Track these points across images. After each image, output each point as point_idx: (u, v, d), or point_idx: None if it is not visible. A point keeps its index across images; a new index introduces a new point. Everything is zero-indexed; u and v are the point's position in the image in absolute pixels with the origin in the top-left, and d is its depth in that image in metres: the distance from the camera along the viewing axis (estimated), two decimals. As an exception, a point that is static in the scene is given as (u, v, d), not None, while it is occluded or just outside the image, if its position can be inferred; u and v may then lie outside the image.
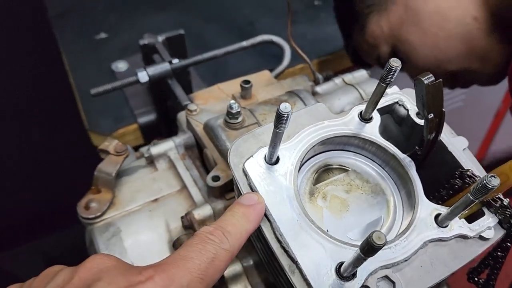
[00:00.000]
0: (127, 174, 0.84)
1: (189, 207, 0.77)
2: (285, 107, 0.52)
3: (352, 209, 0.65)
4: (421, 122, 0.68)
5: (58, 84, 1.50)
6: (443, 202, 0.66)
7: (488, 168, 0.64)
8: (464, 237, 0.60)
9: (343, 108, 0.85)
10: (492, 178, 0.50)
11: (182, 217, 0.74)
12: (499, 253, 0.66)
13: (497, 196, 0.61)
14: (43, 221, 1.89)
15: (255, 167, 0.62)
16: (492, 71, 1.12)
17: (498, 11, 1.04)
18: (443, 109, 0.61)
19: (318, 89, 0.88)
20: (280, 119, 0.53)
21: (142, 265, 0.51)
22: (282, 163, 0.62)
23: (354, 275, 0.55)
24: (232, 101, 0.75)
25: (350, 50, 1.38)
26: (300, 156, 0.63)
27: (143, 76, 1.00)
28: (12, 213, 1.81)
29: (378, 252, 0.56)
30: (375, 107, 0.66)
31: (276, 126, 0.55)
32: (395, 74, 0.59)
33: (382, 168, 0.69)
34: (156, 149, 0.86)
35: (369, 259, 0.54)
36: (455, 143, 0.68)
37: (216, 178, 0.75)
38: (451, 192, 0.65)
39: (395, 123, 0.74)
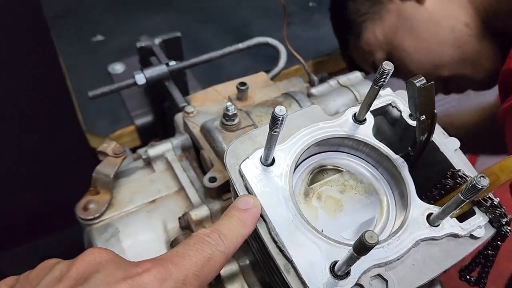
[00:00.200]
0: (125, 176, 0.85)
1: (186, 208, 0.78)
2: (280, 110, 0.53)
3: (346, 209, 0.66)
4: (413, 123, 0.69)
5: (55, 86, 1.50)
6: (435, 201, 0.67)
7: (480, 169, 0.66)
8: (455, 236, 0.62)
9: (338, 109, 0.86)
10: (482, 178, 0.52)
11: (179, 218, 0.75)
12: (489, 252, 0.68)
13: (487, 196, 0.63)
14: (41, 222, 1.89)
15: (251, 168, 0.63)
16: (484, 76, 1.14)
17: (489, 18, 1.07)
18: (435, 111, 0.62)
19: (313, 90, 0.89)
20: (275, 122, 0.54)
21: (140, 265, 0.52)
22: (277, 164, 0.63)
23: (348, 274, 0.56)
24: (229, 103, 0.76)
25: (346, 58, 1.41)
26: (295, 158, 0.65)
27: (140, 78, 1.01)
28: (10, 214, 1.81)
29: (371, 251, 0.58)
30: (369, 109, 0.68)
31: (271, 129, 0.56)
32: (388, 77, 0.61)
33: (376, 168, 0.70)
34: (153, 150, 0.87)
35: (362, 258, 0.56)
36: (447, 144, 0.69)
37: (213, 179, 0.76)
38: (442, 192, 0.66)
39: (389, 124, 0.75)
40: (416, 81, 0.59)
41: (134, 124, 1.31)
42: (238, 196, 0.62)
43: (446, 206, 0.58)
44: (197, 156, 0.87)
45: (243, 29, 1.63)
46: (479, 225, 0.62)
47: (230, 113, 0.77)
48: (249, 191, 0.62)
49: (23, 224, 1.90)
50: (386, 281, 0.57)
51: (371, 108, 0.69)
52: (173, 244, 0.70)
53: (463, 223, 0.62)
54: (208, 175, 0.77)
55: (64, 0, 1.67)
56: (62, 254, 0.55)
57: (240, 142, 0.66)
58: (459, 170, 0.66)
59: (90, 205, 0.78)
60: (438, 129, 0.69)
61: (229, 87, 0.97)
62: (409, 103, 0.63)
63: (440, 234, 0.61)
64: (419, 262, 0.59)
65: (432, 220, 0.61)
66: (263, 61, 1.43)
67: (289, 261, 0.57)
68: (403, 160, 0.67)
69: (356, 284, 0.56)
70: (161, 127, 1.31)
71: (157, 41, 1.15)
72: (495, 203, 0.63)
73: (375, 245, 0.46)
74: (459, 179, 0.65)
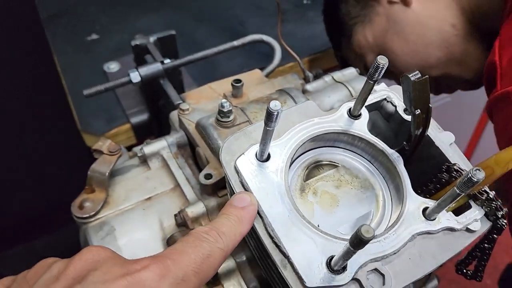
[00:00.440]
0: (121, 174, 0.85)
1: (182, 205, 0.78)
2: (274, 105, 0.53)
3: (342, 204, 0.66)
4: (408, 118, 0.69)
5: (50, 85, 1.50)
6: (430, 195, 0.67)
7: (476, 162, 0.66)
8: (451, 229, 0.62)
9: (332, 105, 0.86)
10: (477, 171, 0.52)
11: (175, 215, 0.75)
12: (486, 245, 0.68)
13: (483, 189, 0.63)
14: (39, 221, 1.89)
15: (247, 164, 0.63)
16: (473, 76, 1.16)
17: (475, 19, 1.09)
18: (430, 105, 0.62)
19: (308, 87, 0.89)
20: (270, 117, 0.54)
21: (136, 262, 0.51)
22: (273, 160, 0.63)
23: (344, 268, 0.56)
24: (224, 100, 0.76)
25: (339, 59, 1.42)
26: (290, 153, 0.64)
27: (135, 76, 1.01)
28: (7, 214, 1.81)
29: (368, 246, 0.58)
30: (364, 104, 0.68)
31: (266, 124, 0.56)
32: (382, 72, 0.61)
33: (371, 163, 0.70)
34: (149, 148, 0.87)
35: (359, 253, 0.56)
36: (442, 138, 0.69)
37: (208, 176, 0.76)
38: (438, 186, 0.67)
39: (384, 119, 0.75)
40: (411, 75, 0.60)
41: (129, 122, 1.31)
42: (234, 192, 0.62)
43: (441, 200, 0.58)
44: (192, 153, 0.87)
45: (238, 27, 1.63)
46: (475, 219, 0.62)
47: (225, 110, 0.77)
48: (245, 187, 0.62)
49: (20, 224, 1.90)
50: (382, 275, 0.57)
51: (366, 103, 0.69)
52: (169, 241, 0.70)
53: (459, 216, 0.62)
54: (204, 172, 0.77)
55: (58, -1, 1.66)
56: (62, 254, 0.55)
57: (235, 138, 0.66)
58: (454, 164, 0.66)
59: (86, 204, 0.78)
60: (433, 123, 0.70)
61: (224, 85, 0.97)
62: (404, 97, 0.63)
63: (436, 228, 0.61)
64: (415, 256, 0.60)
65: (428, 214, 0.61)
66: (258, 58, 1.43)
67: (286, 256, 0.57)
68: (398, 154, 0.67)
69: (353, 278, 0.56)
70: (157, 125, 1.30)
71: (152, 39, 1.15)
72: (491, 197, 0.63)
73: (372, 239, 0.46)
74: (455, 173, 0.65)
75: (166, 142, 0.88)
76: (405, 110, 0.71)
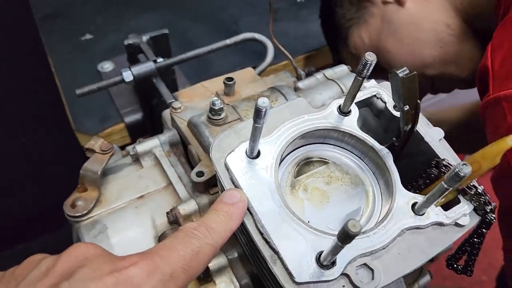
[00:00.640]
0: (113, 172, 0.85)
1: (175, 203, 0.78)
2: (263, 101, 0.54)
3: (333, 200, 0.67)
4: (398, 114, 0.70)
5: (44, 86, 1.50)
6: (420, 191, 0.68)
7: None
8: (440, 224, 0.62)
9: (324, 102, 0.87)
10: (464, 166, 0.52)
11: (167, 213, 0.75)
12: (475, 240, 0.68)
13: (471, 184, 0.63)
14: (34, 222, 1.89)
15: (237, 161, 0.63)
16: (467, 75, 1.16)
17: (469, 18, 1.10)
18: (418, 101, 0.63)
19: (300, 84, 0.89)
20: (258, 114, 0.55)
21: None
22: (263, 157, 0.64)
23: (333, 264, 0.57)
24: (215, 98, 0.76)
25: (337, 62, 1.43)
26: (280, 150, 0.65)
27: (128, 75, 1.01)
28: (3, 215, 1.81)
29: (357, 241, 0.59)
30: (353, 101, 0.68)
31: (255, 121, 0.56)
32: (371, 68, 0.61)
33: (361, 159, 0.70)
34: (141, 146, 0.87)
35: (348, 248, 0.56)
36: (432, 133, 0.70)
37: (200, 174, 0.77)
38: (427, 181, 0.67)
39: (374, 116, 0.76)
40: (399, 71, 0.60)
41: (123, 122, 1.31)
42: (224, 189, 0.62)
43: (430, 195, 0.59)
44: (185, 151, 0.88)
45: (232, 26, 1.63)
46: (464, 213, 0.63)
47: (216, 108, 0.77)
48: (235, 184, 0.62)
49: (16, 225, 1.89)
50: (372, 270, 0.58)
51: (356, 100, 0.70)
52: (160, 238, 0.70)
53: (448, 211, 0.63)
54: (196, 169, 0.77)
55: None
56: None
57: (226, 135, 0.66)
58: (443, 159, 0.66)
59: (78, 202, 0.78)
60: (422, 119, 0.70)
61: (217, 83, 0.97)
62: (393, 93, 0.64)
63: (425, 222, 0.61)
64: (404, 251, 0.60)
65: (417, 209, 0.62)
66: (252, 57, 1.43)
67: (275, 252, 0.58)
68: (388, 150, 0.67)
69: (342, 273, 0.57)
70: (151, 125, 1.30)
71: (145, 38, 1.15)
72: (480, 191, 0.63)
73: (358, 234, 0.46)
74: (444, 168, 0.66)
75: (158, 140, 0.88)
76: (394, 107, 0.71)
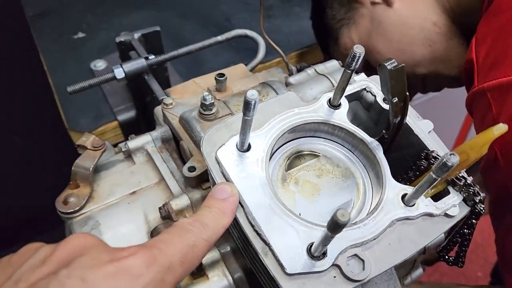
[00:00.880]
0: (105, 169, 0.85)
1: (167, 198, 0.78)
2: (252, 94, 0.54)
3: (324, 193, 0.67)
4: (387, 107, 0.70)
5: (36, 85, 1.49)
6: (410, 183, 0.68)
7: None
8: (430, 215, 0.63)
9: (315, 97, 0.86)
10: (452, 155, 0.53)
11: (160, 208, 0.75)
12: (466, 230, 0.69)
13: (460, 175, 0.64)
14: (30, 222, 1.89)
15: (228, 154, 0.63)
16: (456, 74, 1.18)
17: (456, 16, 1.11)
18: (407, 93, 0.63)
19: (291, 79, 0.90)
20: (247, 106, 0.55)
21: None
22: (254, 150, 0.64)
23: (324, 255, 0.57)
24: (206, 93, 0.77)
25: None
26: (271, 143, 0.65)
27: (119, 72, 1.01)
28: (0, 215, 1.81)
29: (348, 232, 0.59)
30: (343, 94, 0.69)
31: (244, 113, 0.56)
32: (359, 60, 0.62)
33: (352, 152, 0.71)
34: (133, 143, 0.87)
35: (339, 239, 0.57)
36: (421, 126, 0.70)
37: (192, 169, 0.77)
38: (417, 173, 0.68)
39: (364, 109, 0.76)
40: (387, 63, 0.60)
41: (117, 120, 1.31)
42: (216, 183, 0.63)
43: (419, 186, 0.59)
44: (177, 147, 0.88)
45: (224, 23, 1.63)
46: (453, 204, 0.64)
47: (207, 103, 0.77)
48: (226, 178, 0.63)
49: (13, 226, 1.89)
50: (362, 260, 0.58)
51: (346, 93, 0.70)
52: (153, 233, 0.70)
53: (438, 202, 0.63)
54: (187, 164, 0.77)
55: (44, -2, 1.66)
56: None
57: (216, 129, 0.66)
58: (432, 151, 0.67)
59: (70, 199, 0.78)
60: (411, 112, 0.71)
61: (208, 79, 0.97)
62: (382, 86, 0.64)
63: (415, 213, 0.62)
64: (395, 242, 0.60)
65: (407, 200, 0.62)
66: (245, 54, 1.43)
67: (267, 244, 0.58)
68: (377, 143, 0.68)
69: (333, 264, 0.57)
70: (144, 122, 1.30)
71: (137, 35, 1.15)
72: (468, 182, 0.64)
73: (347, 223, 0.46)
74: (433, 159, 0.66)
75: (150, 136, 0.88)
76: (384, 100, 0.72)
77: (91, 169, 0.79)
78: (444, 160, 0.53)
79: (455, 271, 2.51)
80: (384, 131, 0.68)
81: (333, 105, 0.70)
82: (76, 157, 0.82)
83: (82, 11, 1.65)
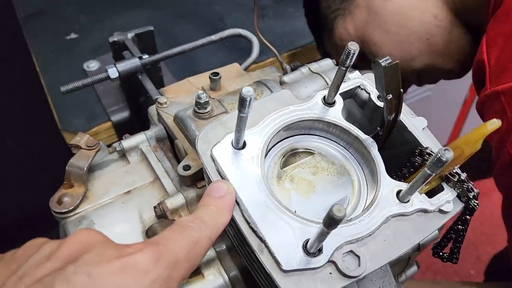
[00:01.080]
0: (100, 168, 0.85)
1: (162, 198, 0.78)
2: (247, 90, 0.54)
3: (319, 190, 0.67)
4: (381, 104, 0.70)
5: (29, 85, 1.48)
6: (405, 179, 0.69)
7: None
8: (424, 211, 0.63)
9: (309, 95, 0.86)
10: (446, 151, 0.53)
11: (155, 207, 0.75)
12: (460, 227, 0.69)
13: (454, 171, 0.64)
14: (27, 223, 1.87)
15: (223, 152, 0.63)
16: (454, 67, 1.16)
17: (457, 9, 1.08)
18: (401, 90, 0.64)
19: (285, 78, 0.90)
20: (243, 103, 0.55)
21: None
22: (249, 147, 0.64)
23: (320, 251, 0.57)
24: (200, 92, 0.77)
25: (322, 54, 1.42)
26: (266, 140, 0.65)
27: (113, 72, 1.01)
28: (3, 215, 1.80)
29: (343, 228, 0.59)
30: (337, 91, 0.69)
31: (239, 110, 0.57)
32: (354, 57, 0.62)
33: (347, 149, 0.71)
34: (127, 142, 0.87)
35: (334, 235, 0.57)
36: (415, 123, 0.71)
37: (187, 167, 0.77)
38: (412, 169, 0.68)
39: (359, 107, 0.77)
40: (381, 60, 0.60)
41: (110, 120, 1.30)
42: (211, 181, 0.63)
43: (413, 182, 0.59)
44: (171, 146, 0.87)
45: (218, 23, 1.63)
46: (447, 200, 0.64)
47: (202, 101, 0.77)
48: (221, 175, 0.63)
49: (10, 227, 1.87)
50: (358, 257, 0.58)
51: (340, 91, 0.71)
52: (148, 232, 0.70)
53: (432, 198, 0.64)
54: (182, 163, 0.77)
55: (36, -1, 1.65)
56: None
57: (211, 127, 0.66)
58: (426, 148, 0.67)
59: (64, 199, 0.78)
60: (405, 109, 0.71)
61: (202, 78, 0.97)
62: (376, 83, 0.64)
63: (410, 210, 0.62)
64: (390, 238, 0.61)
65: (401, 197, 0.63)
66: (239, 54, 1.43)
67: (262, 241, 0.58)
68: (372, 140, 0.68)
69: (329, 261, 0.57)
70: (138, 122, 1.30)
71: (130, 35, 1.15)
72: (462, 178, 0.64)
73: (343, 218, 0.47)
74: (427, 156, 0.67)
75: (145, 136, 0.88)
76: (378, 97, 0.72)
77: (85, 168, 0.79)
78: (439, 155, 0.53)
79: (448, 269, 2.52)
80: (378, 128, 0.68)
81: (328, 102, 0.70)
82: (70, 157, 0.82)
83: (75, 12, 1.65)
